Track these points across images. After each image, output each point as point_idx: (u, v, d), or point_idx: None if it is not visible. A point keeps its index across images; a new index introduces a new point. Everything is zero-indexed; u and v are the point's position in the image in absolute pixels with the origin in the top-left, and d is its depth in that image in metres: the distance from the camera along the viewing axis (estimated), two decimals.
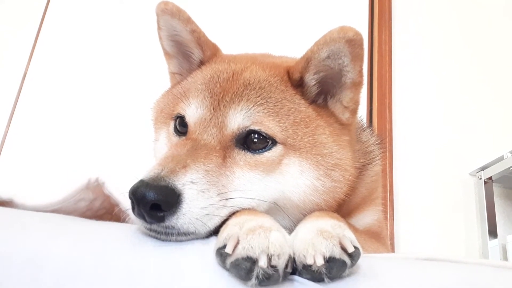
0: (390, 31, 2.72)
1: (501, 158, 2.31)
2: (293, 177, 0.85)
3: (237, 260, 0.60)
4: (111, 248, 0.69)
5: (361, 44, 0.83)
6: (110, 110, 2.65)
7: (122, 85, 2.70)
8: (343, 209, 0.95)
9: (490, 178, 2.41)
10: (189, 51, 1.03)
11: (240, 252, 0.61)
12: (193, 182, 0.74)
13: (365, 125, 1.16)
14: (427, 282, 0.66)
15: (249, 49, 1.09)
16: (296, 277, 0.63)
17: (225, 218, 0.76)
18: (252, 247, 0.61)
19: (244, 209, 0.79)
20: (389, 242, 1.23)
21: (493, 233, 2.34)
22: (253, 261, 0.60)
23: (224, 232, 0.67)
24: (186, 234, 0.72)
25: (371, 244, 0.97)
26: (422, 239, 2.37)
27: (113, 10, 2.93)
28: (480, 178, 2.45)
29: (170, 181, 0.72)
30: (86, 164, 2.45)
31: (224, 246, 0.63)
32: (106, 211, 0.95)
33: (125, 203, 0.83)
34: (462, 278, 0.68)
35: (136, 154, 2.23)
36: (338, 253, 0.62)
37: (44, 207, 0.88)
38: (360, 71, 0.88)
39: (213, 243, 0.71)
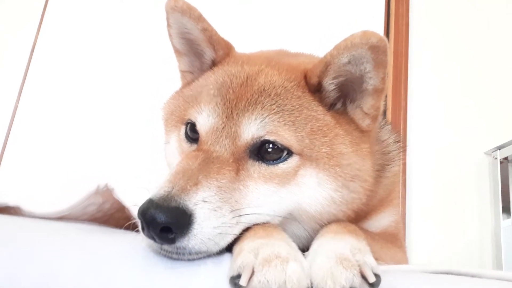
0: (407, 5, 2.62)
1: None
2: (309, 188, 0.81)
3: None
4: (122, 270, 0.67)
5: (385, 51, 0.77)
6: (112, 111, 2.60)
7: (124, 85, 2.64)
8: (360, 213, 0.92)
9: (506, 158, 2.36)
10: (201, 50, 0.98)
11: (256, 286, 0.58)
12: (205, 201, 0.71)
13: (383, 122, 1.11)
14: None
15: (264, 44, 1.03)
16: None
17: (238, 235, 0.73)
18: (268, 281, 0.58)
19: (258, 224, 0.76)
20: (405, 243, 1.20)
21: (506, 213, 2.32)
22: None
23: (238, 258, 0.64)
24: (197, 253, 0.70)
25: (387, 251, 0.94)
26: (434, 218, 2.35)
27: (113, 8, 2.83)
28: (496, 158, 2.40)
29: (181, 201, 0.69)
30: (90, 165, 2.44)
31: (239, 275, 0.60)
32: (117, 210, 0.93)
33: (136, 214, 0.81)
34: None
35: (139, 154, 2.24)
36: (358, 284, 0.60)
37: (52, 214, 0.86)
38: (383, 78, 0.82)
39: (226, 262, 0.69)
